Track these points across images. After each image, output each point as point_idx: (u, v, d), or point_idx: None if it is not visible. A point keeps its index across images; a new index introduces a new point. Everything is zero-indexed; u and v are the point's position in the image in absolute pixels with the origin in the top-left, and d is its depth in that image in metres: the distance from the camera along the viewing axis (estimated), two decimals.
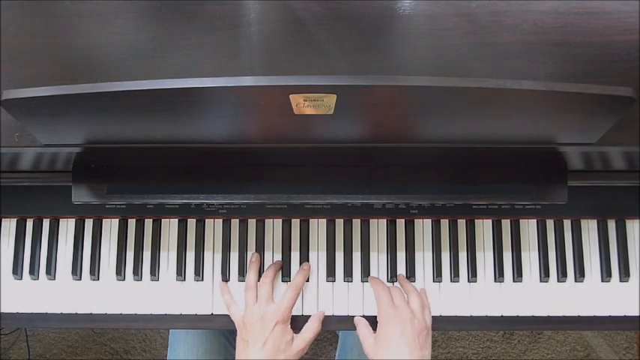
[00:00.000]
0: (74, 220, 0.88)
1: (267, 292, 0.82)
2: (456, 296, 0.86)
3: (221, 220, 0.88)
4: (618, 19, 0.76)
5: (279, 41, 0.76)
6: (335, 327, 0.86)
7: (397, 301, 0.81)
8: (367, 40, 0.75)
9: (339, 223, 0.88)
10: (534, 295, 0.86)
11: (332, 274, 0.86)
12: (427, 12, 0.76)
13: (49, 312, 0.86)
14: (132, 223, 0.89)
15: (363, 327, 0.82)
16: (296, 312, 0.85)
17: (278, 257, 0.87)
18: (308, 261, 0.87)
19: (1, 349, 1.54)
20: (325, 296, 0.86)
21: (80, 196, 0.79)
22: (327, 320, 0.85)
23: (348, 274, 0.86)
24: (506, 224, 0.88)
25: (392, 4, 0.77)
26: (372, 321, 0.83)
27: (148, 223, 0.89)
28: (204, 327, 0.89)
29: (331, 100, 0.60)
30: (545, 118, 0.66)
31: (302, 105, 0.60)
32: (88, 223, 0.88)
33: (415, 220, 0.88)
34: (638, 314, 0.86)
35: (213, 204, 0.86)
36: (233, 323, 0.84)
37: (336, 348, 1.09)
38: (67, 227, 0.88)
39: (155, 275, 0.87)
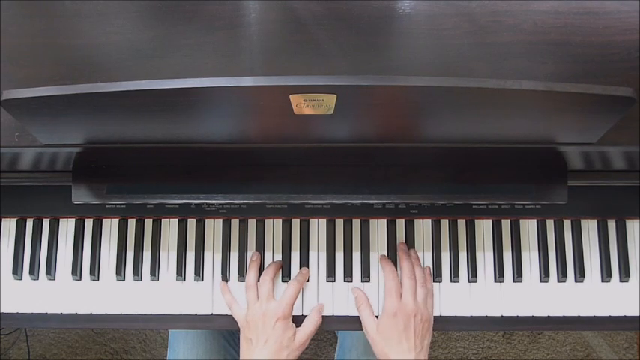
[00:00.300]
0: (74, 220, 0.88)
1: (267, 289, 0.83)
2: (456, 296, 0.86)
3: (221, 220, 0.88)
4: (618, 19, 0.76)
5: (279, 41, 0.76)
6: (335, 327, 0.86)
7: (404, 295, 0.81)
8: (367, 40, 0.75)
9: (339, 223, 0.88)
10: (534, 295, 0.86)
11: (332, 274, 0.86)
12: (427, 12, 0.76)
13: (49, 312, 0.86)
14: (132, 223, 0.89)
15: (365, 307, 0.83)
16: (296, 312, 0.85)
17: (278, 257, 0.87)
18: (308, 261, 0.87)
19: (1, 349, 1.54)
20: (325, 296, 0.86)
21: (80, 196, 0.79)
22: (327, 320, 0.85)
23: (348, 274, 0.86)
24: (506, 224, 0.88)
25: (392, 4, 0.77)
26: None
27: (148, 223, 0.89)
28: (204, 327, 0.89)
29: (331, 100, 0.60)
30: (545, 118, 0.66)
31: (302, 105, 0.60)
32: (88, 223, 0.88)
33: (415, 220, 0.88)
34: (638, 314, 0.86)
35: (213, 204, 0.86)
36: (233, 323, 0.84)
37: (336, 348, 1.09)
38: (67, 227, 0.88)
39: (155, 275, 0.87)
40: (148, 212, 0.87)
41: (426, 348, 0.80)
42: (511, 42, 0.75)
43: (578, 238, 0.87)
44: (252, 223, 0.88)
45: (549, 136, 0.70)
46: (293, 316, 0.83)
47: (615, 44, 0.75)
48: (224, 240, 0.87)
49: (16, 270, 0.87)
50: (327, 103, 0.60)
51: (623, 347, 1.57)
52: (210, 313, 0.86)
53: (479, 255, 0.87)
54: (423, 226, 0.88)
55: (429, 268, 0.86)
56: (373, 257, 0.87)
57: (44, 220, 0.88)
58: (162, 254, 0.88)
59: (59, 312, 0.86)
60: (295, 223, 0.88)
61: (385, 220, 0.88)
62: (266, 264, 0.87)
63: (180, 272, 0.87)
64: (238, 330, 0.84)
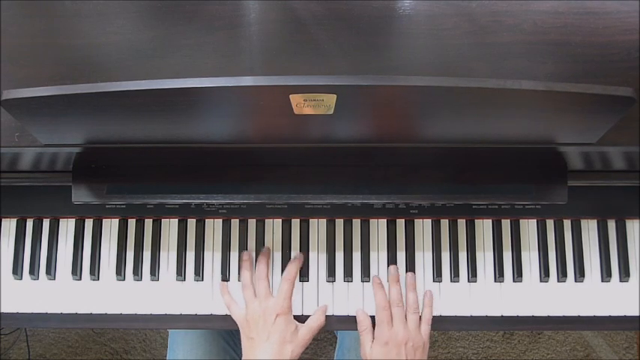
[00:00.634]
0: (74, 220, 0.88)
1: (264, 287, 0.83)
2: (456, 296, 0.86)
3: (221, 220, 0.88)
4: (618, 19, 0.76)
5: (279, 41, 0.76)
6: (335, 327, 0.86)
7: (395, 323, 0.82)
8: (367, 40, 0.75)
9: (339, 223, 0.88)
10: (534, 295, 0.86)
11: (332, 274, 0.86)
12: (427, 12, 0.76)
13: (49, 312, 0.86)
14: (132, 223, 0.89)
15: (367, 333, 0.83)
16: (296, 312, 0.85)
17: (278, 257, 0.87)
18: (308, 261, 0.87)
19: (1, 349, 1.54)
20: (325, 296, 0.86)
21: (80, 196, 0.79)
22: (327, 320, 0.85)
23: (348, 274, 0.86)
24: (506, 224, 0.88)
25: (392, 4, 0.77)
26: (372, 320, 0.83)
27: (148, 223, 0.89)
28: (204, 327, 0.89)
29: (331, 100, 0.60)
30: (545, 118, 0.66)
31: (302, 105, 0.60)
32: (88, 223, 0.88)
33: (415, 220, 0.88)
34: (638, 314, 0.86)
35: (213, 204, 0.86)
36: (233, 323, 0.84)
37: (335, 348, 1.09)
38: (67, 227, 0.88)
39: (155, 275, 0.87)
40: (148, 212, 0.87)
41: None
42: (511, 42, 0.75)
43: (578, 238, 0.87)
44: (252, 223, 0.88)
45: (549, 136, 0.70)
46: (294, 316, 0.83)
47: (615, 44, 0.75)
48: (224, 240, 0.87)
49: (16, 270, 0.87)
50: (327, 103, 0.60)
51: (623, 347, 1.57)
52: (210, 313, 0.86)
53: (479, 255, 0.87)
54: (423, 226, 0.88)
55: (430, 292, 0.85)
56: (373, 257, 0.87)
57: (44, 220, 0.88)
58: (162, 254, 0.88)
59: (59, 312, 0.86)
60: (295, 223, 0.88)
61: (385, 220, 0.88)
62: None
63: (180, 272, 0.87)
64: (238, 330, 0.84)
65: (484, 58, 0.74)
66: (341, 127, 0.68)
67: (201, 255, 0.87)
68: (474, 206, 0.86)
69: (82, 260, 0.87)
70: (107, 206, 0.87)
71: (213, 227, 0.88)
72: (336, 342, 1.12)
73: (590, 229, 0.88)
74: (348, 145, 0.73)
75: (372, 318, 0.84)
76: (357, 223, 0.88)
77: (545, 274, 0.86)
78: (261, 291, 0.83)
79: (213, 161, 0.79)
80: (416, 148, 0.74)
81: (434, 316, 0.85)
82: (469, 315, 0.86)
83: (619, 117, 0.64)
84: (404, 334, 0.80)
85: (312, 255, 0.87)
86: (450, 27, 0.76)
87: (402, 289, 0.84)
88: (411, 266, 0.87)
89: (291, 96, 0.59)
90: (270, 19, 0.77)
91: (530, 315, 0.86)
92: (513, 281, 0.87)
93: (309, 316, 0.84)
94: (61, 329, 1.56)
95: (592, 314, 0.86)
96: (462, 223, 0.88)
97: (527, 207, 0.86)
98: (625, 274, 0.86)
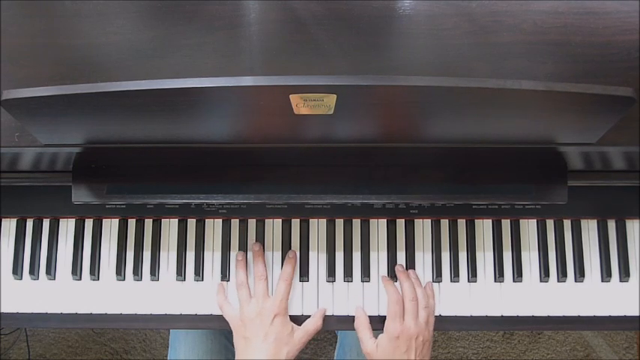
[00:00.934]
0: (74, 220, 0.88)
1: (262, 288, 0.83)
2: (456, 296, 0.86)
3: (221, 220, 0.88)
4: (618, 19, 0.76)
5: (279, 41, 0.76)
6: (335, 327, 0.86)
7: (407, 318, 0.81)
8: (367, 40, 0.75)
9: (339, 223, 0.88)
10: (534, 295, 0.86)
11: (332, 274, 0.86)
12: (427, 12, 0.76)
13: (49, 312, 0.86)
14: (132, 223, 0.89)
15: (364, 329, 0.83)
16: (296, 312, 0.85)
17: (278, 257, 0.87)
18: (308, 261, 0.87)
19: (1, 349, 1.54)
20: (325, 296, 0.86)
21: (80, 196, 0.79)
22: (327, 320, 0.85)
23: (348, 274, 0.86)
24: (506, 224, 0.88)
25: (392, 4, 0.77)
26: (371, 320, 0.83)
27: (148, 223, 0.89)
28: (205, 327, 0.89)
29: (331, 100, 0.60)
30: (545, 118, 0.66)
31: (302, 105, 0.60)
32: (88, 223, 0.88)
33: (415, 220, 0.88)
34: (638, 314, 0.86)
35: (213, 204, 0.86)
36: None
37: (335, 348, 1.09)
38: (67, 227, 0.88)
39: (155, 275, 0.87)
40: (148, 212, 0.87)
41: None
42: (511, 42, 0.75)
43: (578, 238, 0.87)
44: (252, 223, 0.88)
45: (549, 136, 0.70)
46: (292, 316, 0.83)
47: (615, 44, 0.75)
48: (224, 240, 0.87)
49: (16, 270, 0.87)
50: (327, 103, 0.60)
51: (623, 347, 1.57)
52: (210, 313, 0.86)
53: (479, 255, 0.87)
54: (423, 226, 0.88)
55: (431, 284, 0.86)
56: (373, 257, 0.87)
57: (44, 220, 0.88)
58: (162, 254, 0.88)
59: (59, 312, 0.86)
60: (295, 223, 0.88)
61: (385, 220, 0.88)
62: (267, 264, 0.87)
63: (180, 272, 0.87)
64: None
65: (484, 58, 0.74)
66: (341, 127, 0.68)
67: (201, 255, 0.87)
68: (474, 206, 0.86)
69: (82, 260, 0.87)
70: (107, 206, 0.87)
71: (213, 227, 0.88)
72: (336, 342, 1.12)
73: (590, 229, 0.88)
74: (348, 145, 0.73)
75: (370, 317, 0.84)
76: (357, 223, 0.88)
77: (545, 274, 0.86)
78: (259, 291, 0.83)
79: (213, 161, 0.79)
80: (416, 148, 0.74)
81: (434, 316, 0.84)
82: (469, 315, 0.86)
83: (619, 117, 0.64)
84: (415, 329, 0.80)
85: (312, 255, 0.87)
86: (450, 27, 0.76)
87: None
88: (411, 266, 0.87)
89: (291, 96, 0.59)
90: (270, 19, 0.77)
91: (530, 315, 0.86)
92: (513, 281, 0.87)
93: (308, 316, 0.84)
94: (61, 329, 1.56)
95: (592, 314, 0.86)
96: (461, 223, 0.88)
97: (527, 207, 0.86)
98: (625, 274, 0.86)
